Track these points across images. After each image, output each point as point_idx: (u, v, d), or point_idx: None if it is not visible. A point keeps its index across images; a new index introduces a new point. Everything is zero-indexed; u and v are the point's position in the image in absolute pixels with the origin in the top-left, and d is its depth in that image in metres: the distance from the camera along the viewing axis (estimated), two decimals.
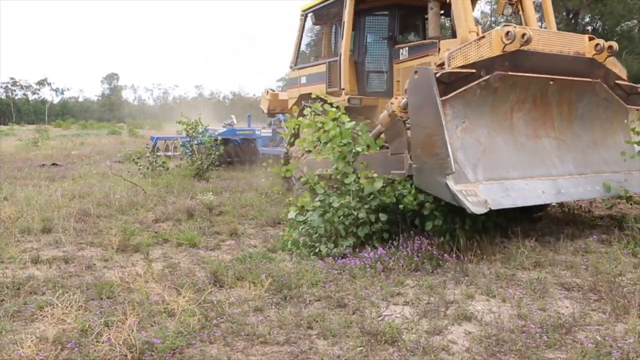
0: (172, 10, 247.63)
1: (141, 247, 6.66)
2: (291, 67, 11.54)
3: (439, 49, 8.30)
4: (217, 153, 14.10)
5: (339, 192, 6.65)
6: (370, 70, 9.86)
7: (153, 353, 3.68)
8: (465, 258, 5.85)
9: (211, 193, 9.86)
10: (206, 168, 13.61)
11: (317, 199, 6.60)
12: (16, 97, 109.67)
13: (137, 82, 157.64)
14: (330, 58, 10.13)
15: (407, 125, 6.23)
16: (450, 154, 5.47)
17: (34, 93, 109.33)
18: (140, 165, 13.62)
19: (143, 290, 4.90)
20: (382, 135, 6.79)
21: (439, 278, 5.43)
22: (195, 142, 14.42)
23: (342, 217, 6.32)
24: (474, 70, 6.16)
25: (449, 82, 5.97)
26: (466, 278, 5.37)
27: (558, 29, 9.04)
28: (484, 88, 6.24)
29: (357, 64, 9.86)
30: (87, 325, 4.05)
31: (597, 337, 3.93)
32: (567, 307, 4.65)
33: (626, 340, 3.86)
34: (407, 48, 9.22)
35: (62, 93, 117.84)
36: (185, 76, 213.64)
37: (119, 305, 4.60)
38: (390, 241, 6.30)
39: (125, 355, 3.64)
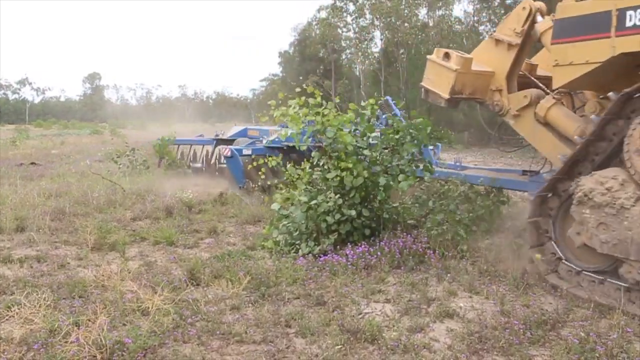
0: (155, 10, 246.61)
1: (117, 245, 6.48)
2: None
3: None
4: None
5: (320, 188, 6.53)
6: None
7: (124, 353, 3.53)
8: (448, 254, 5.78)
9: (191, 191, 9.68)
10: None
11: (302, 195, 6.46)
12: None
13: (119, 81, 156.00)
14: None
15: None
16: None
17: (14, 93, 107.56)
18: (120, 164, 13.39)
19: (117, 288, 4.74)
20: None
21: (421, 275, 5.34)
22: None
23: (323, 214, 6.19)
24: None
25: None
26: (449, 275, 5.29)
27: None
28: None
29: None
30: (55, 325, 3.89)
31: (581, 333, 3.87)
32: (551, 304, 4.59)
33: (610, 335, 3.80)
34: None
35: (43, 93, 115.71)
36: (169, 76, 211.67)
37: (91, 304, 4.43)
38: (372, 238, 6.21)
39: (95, 356, 3.49)
